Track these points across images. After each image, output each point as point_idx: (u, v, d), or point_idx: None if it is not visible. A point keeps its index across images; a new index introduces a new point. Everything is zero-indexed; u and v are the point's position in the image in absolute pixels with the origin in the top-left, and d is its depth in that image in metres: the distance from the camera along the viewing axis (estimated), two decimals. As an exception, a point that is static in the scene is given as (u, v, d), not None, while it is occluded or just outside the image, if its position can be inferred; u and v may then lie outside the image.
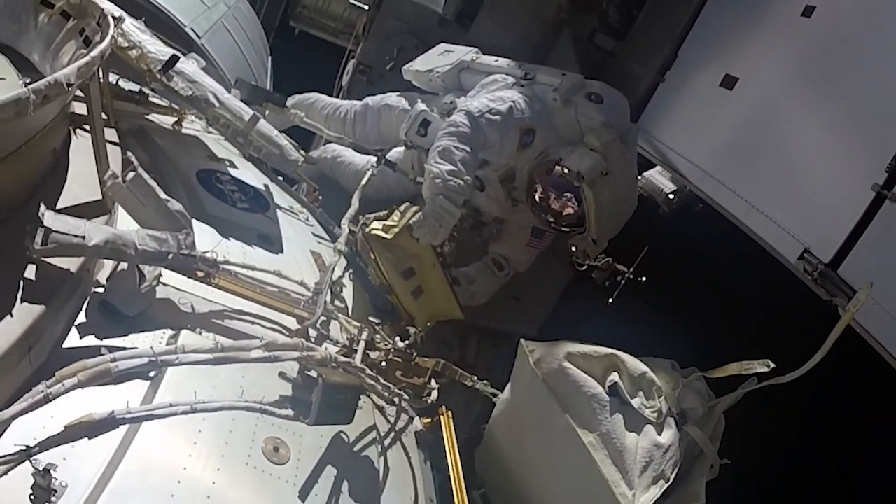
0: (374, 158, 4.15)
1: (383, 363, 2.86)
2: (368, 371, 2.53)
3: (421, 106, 4.03)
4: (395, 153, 4.29)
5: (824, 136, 3.13)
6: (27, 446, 1.49)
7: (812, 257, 2.89)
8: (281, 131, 4.47)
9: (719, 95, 4.00)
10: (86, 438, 1.60)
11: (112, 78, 3.56)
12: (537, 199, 3.74)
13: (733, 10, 4.27)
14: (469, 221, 4.14)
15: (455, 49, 4.55)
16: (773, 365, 2.45)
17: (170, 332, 2.39)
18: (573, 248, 3.80)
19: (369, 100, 4.76)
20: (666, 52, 4.65)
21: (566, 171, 3.48)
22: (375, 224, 3.41)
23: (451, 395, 3.25)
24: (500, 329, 5.74)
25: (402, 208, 3.54)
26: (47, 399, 1.55)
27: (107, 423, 1.64)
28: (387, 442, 2.70)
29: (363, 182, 3.61)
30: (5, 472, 1.47)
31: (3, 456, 1.46)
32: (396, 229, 3.37)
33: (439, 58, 4.47)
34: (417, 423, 2.99)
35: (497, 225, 4.22)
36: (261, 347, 2.14)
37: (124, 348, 2.05)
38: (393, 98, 4.59)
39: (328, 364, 2.26)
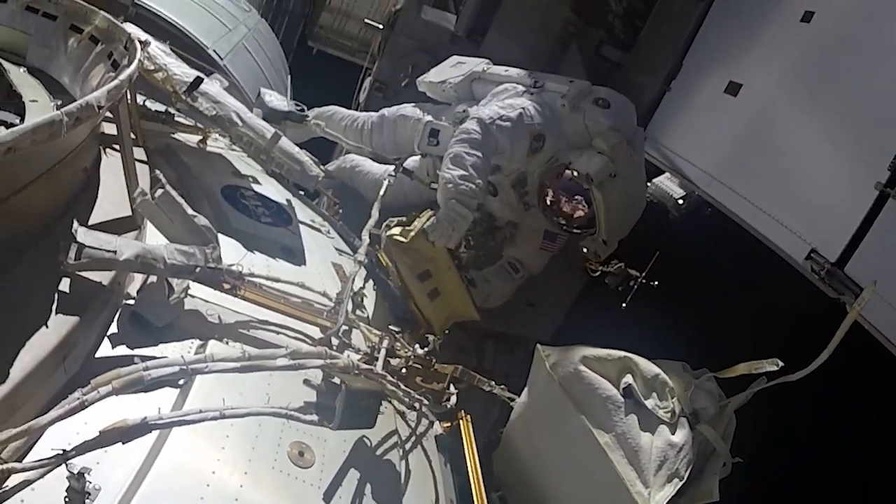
0: (392, 167, 4.17)
1: (404, 370, 2.85)
2: (389, 377, 2.52)
3: (427, 117, 4.05)
4: (412, 161, 4.31)
5: (827, 137, 3.10)
6: (63, 450, 1.50)
7: (819, 257, 2.85)
8: (302, 144, 4.51)
9: (724, 102, 3.97)
10: (119, 443, 1.61)
11: (139, 99, 3.61)
12: (548, 202, 3.75)
13: (735, 18, 4.25)
14: (483, 226, 4.13)
15: (467, 60, 4.58)
16: (781, 364, 2.41)
17: (198, 342, 2.40)
18: (584, 250, 3.78)
19: (385, 111, 4.80)
20: (671, 61, 4.64)
21: (576, 174, 3.48)
22: (395, 229, 3.43)
23: (469, 400, 3.23)
24: (516, 335, 5.71)
25: (422, 215, 3.55)
26: (83, 406, 1.56)
27: (140, 429, 1.65)
28: (408, 446, 2.68)
29: (381, 193, 3.63)
30: (42, 475, 1.48)
31: (41, 460, 1.48)
32: (412, 233, 3.39)
33: (452, 69, 4.50)
34: (437, 428, 2.97)
35: (511, 229, 4.21)
36: (286, 356, 2.14)
37: (155, 357, 2.07)
38: (408, 109, 4.62)
39: (351, 371, 2.26)
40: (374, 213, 3.50)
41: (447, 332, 3.63)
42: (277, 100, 4.97)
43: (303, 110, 4.91)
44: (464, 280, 3.68)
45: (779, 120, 3.49)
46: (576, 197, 3.63)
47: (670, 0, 5.10)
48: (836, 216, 2.84)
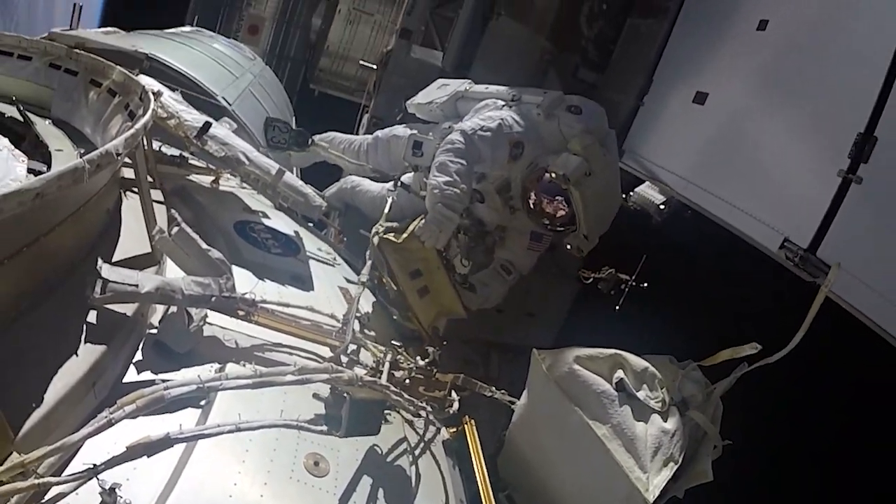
0: (389, 185, 4.28)
1: (407, 381, 2.88)
2: (393, 388, 2.54)
3: (410, 131, 4.18)
4: (407, 178, 4.43)
5: (790, 133, 3.14)
6: (94, 465, 1.54)
7: (792, 244, 2.87)
8: (307, 167, 4.55)
9: (693, 111, 4.03)
10: (145, 457, 1.65)
11: (155, 145, 3.70)
12: (532, 205, 3.79)
13: (697, 33, 4.34)
14: (473, 231, 4.20)
15: (451, 82, 4.71)
16: (760, 347, 2.42)
17: (217, 365, 2.43)
18: (568, 246, 3.82)
19: (379, 133, 4.94)
20: (642, 78, 4.72)
21: (554, 175, 3.53)
22: (389, 235, 3.53)
23: (477, 408, 3.24)
24: (519, 344, 5.72)
25: (415, 222, 3.64)
26: (110, 423, 1.60)
27: (162, 443, 1.68)
28: (417, 452, 2.69)
29: (386, 210, 3.72)
30: (75, 489, 1.52)
31: (73, 474, 1.52)
32: (405, 235, 3.47)
33: (438, 91, 4.61)
34: (444, 433, 2.98)
35: (500, 233, 4.26)
36: (294, 372, 2.18)
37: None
38: (399, 129, 4.74)
39: (355, 383, 2.28)
40: (374, 236, 3.56)
41: (445, 342, 3.64)
42: (280, 133, 5.09)
43: (306, 137, 5.04)
44: (452, 279, 3.72)
45: (744, 122, 3.53)
46: (556, 197, 3.67)
47: (637, 23, 5.22)
48: (804, 205, 2.86)
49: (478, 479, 2.71)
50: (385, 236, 3.49)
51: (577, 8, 5.48)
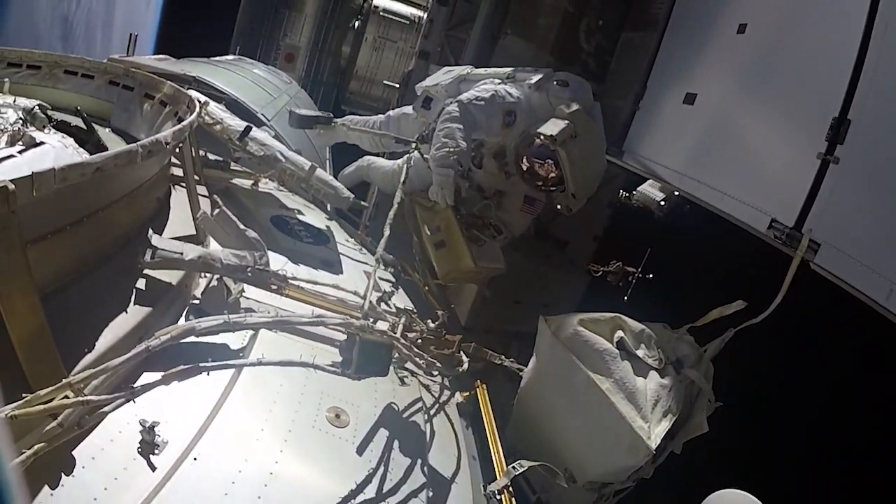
0: (400, 161, 4.48)
1: (419, 340, 2.88)
2: (402, 340, 2.54)
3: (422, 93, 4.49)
4: (424, 147, 4.50)
5: (771, 124, 3.11)
6: (132, 387, 1.57)
7: (779, 224, 2.81)
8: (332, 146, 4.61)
9: (684, 111, 4.01)
10: (176, 381, 1.67)
11: (202, 151, 3.83)
12: (524, 169, 3.81)
13: (684, 40, 4.33)
14: (471, 193, 4.23)
15: (455, 68, 4.86)
16: (745, 304, 2.37)
17: (251, 332, 2.48)
18: (558, 206, 3.82)
19: (391, 112, 5.13)
20: (637, 85, 4.72)
21: (543, 137, 3.55)
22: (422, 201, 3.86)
23: (499, 391, 3.23)
24: (535, 333, 5.66)
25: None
26: (148, 351, 1.64)
27: (192, 371, 1.70)
28: (432, 411, 2.67)
29: (402, 180, 3.81)
30: (115, 408, 1.55)
31: (113, 395, 1.55)
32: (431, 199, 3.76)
33: (444, 75, 4.73)
34: (458, 397, 2.96)
35: (497, 197, 4.30)
36: (311, 317, 2.21)
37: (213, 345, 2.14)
38: (408, 109, 4.91)
39: (366, 330, 2.28)
40: (396, 200, 3.62)
41: (447, 314, 3.64)
42: (306, 111, 5.26)
43: (330, 117, 5.19)
44: (464, 234, 3.82)
45: (730, 117, 3.50)
46: (547, 160, 3.69)
47: (631, 36, 5.23)
48: (788, 187, 2.81)
49: (488, 437, 2.68)
50: (417, 199, 3.79)
51: (577, 25, 5.51)
